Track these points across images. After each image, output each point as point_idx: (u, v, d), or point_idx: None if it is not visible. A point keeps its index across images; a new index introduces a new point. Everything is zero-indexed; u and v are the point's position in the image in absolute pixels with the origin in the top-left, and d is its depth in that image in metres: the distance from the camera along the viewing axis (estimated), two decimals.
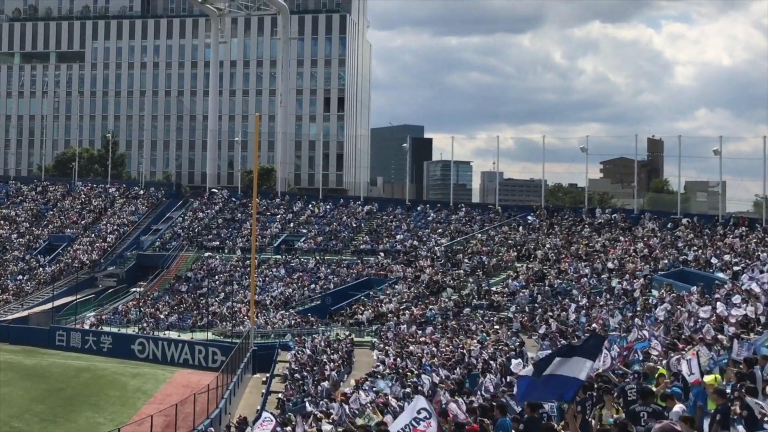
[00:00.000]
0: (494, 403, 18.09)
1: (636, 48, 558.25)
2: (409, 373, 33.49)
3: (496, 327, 46.45)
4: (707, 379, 16.62)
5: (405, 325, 54.25)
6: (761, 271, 38.91)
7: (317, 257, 74.98)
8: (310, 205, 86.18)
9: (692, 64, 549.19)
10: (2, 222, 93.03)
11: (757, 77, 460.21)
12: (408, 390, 28.50)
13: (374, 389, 30.42)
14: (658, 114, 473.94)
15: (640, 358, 22.97)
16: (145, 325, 66.27)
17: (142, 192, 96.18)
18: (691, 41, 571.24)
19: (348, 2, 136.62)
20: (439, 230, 75.61)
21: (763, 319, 27.67)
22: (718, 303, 32.29)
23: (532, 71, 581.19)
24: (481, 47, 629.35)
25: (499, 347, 36.53)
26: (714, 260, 52.87)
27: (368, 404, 26.08)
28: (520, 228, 71.88)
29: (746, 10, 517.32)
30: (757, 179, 66.49)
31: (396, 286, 65.07)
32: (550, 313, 48.69)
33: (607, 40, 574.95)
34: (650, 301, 43.27)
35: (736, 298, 32.50)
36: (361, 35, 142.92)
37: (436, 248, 71.31)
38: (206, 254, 79.55)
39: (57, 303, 73.19)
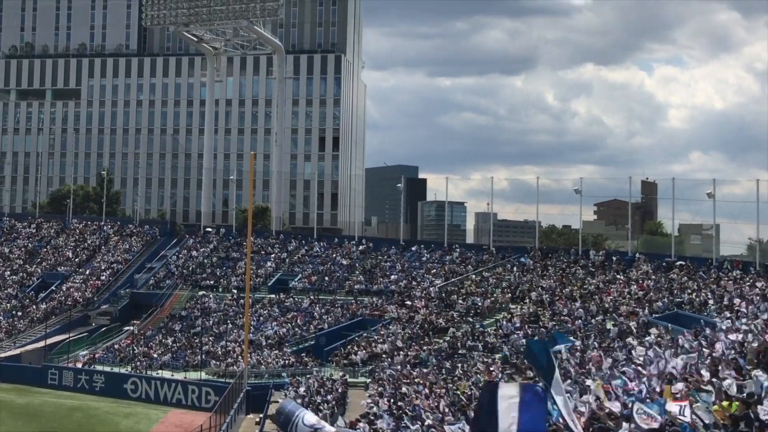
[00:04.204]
0: None
1: (628, 90, 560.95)
2: (404, 414, 33.35)
3: (491, 369, 46.33)
4: (715, 407, 16.59)
5: (399, 366, 54.08)
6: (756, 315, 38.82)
7: (311, 297, 74.85)
8: (305, 245, 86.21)
9: (685, 107, 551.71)
10: None
11: (749, 121, 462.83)
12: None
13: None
14: (652, 156, 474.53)
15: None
16: (138, 364, 65.98)
17: (136, 230, 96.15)
18: (684, 84, 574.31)
19: (343, 43, 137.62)
20: (434, 271, 75.59)
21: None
22: (716, 344, 32.17)
23: (525, 113, 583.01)
24: (474, 88, 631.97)
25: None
26: (711, 302, 52.93)
27: None
28: (515, 269, 71.90)
29: (738, 54, 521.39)
30: (751, 222, 66.67)
31: (390, 327, 64.98)
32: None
33: (600, 83, 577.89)
34: (645, 343, 43.15)
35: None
36: (356, 75, 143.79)
37: (431, 289, 71.28)
38: (200, 293, 79.37)
39: (50, 341, 72.80)
